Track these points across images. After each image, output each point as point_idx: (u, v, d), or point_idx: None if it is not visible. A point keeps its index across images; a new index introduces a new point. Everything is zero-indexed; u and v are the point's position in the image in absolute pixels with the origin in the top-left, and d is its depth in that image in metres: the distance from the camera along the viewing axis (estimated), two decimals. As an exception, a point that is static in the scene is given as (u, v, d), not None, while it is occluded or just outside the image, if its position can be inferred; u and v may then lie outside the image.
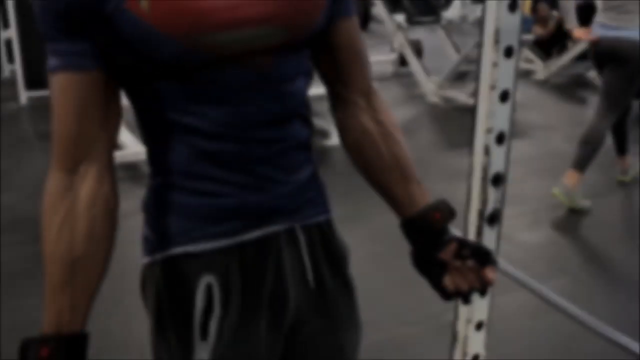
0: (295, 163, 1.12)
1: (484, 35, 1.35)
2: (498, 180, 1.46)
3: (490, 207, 1.47)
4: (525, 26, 7.27)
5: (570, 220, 4.13)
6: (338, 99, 1.20)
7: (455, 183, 4.60)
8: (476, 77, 1.38)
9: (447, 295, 1.16)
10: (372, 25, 8.63)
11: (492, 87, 1.38)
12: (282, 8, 1.00)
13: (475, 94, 1.39)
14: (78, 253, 1.00)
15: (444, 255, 1.14)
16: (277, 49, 1.02)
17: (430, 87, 7.00)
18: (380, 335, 2.78)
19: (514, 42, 1.35)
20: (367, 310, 3.04)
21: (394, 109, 6.61)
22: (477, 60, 1.37)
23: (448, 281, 1.15)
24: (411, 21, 7.45)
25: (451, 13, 7.94)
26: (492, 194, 1.48)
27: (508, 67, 1.37)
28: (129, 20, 0.93)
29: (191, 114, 1.02)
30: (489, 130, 1.41)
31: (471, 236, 1.54)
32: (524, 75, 7.65)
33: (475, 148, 1.45)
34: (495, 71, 1.37)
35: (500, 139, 1.44)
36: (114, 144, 1.06)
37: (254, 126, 1.04)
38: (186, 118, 1.02)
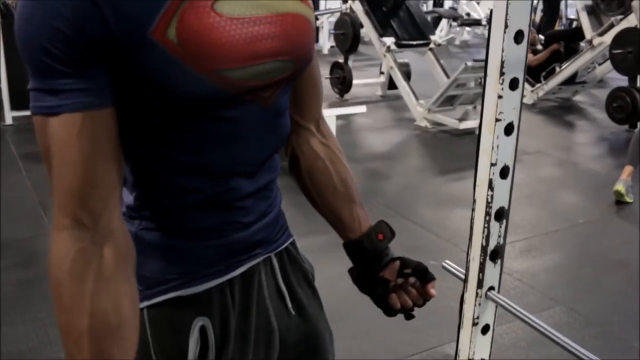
0: (274, 192, 1.13)
1: (488, 67, 1.31)
2: (501, 215, 1.41)
3: (493, 242, 1.42)
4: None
5: (563, 249, 4.10)
6: (293, 125, 1.19)
7: (444, 210, 4.59)
8: (480, 109, 1.34)
9: (391, 312, 1.26)
10: (362, 48, 8.62)
11: (497, 120, 1.34)
12: (290, 41, 0.98)
13: (479, 126, 1.35)
14: (117, 322, 0.87)
15: (388, 275, 1.23)
16: (282, 82, 1.01)
17: (419, 111, 6.98)
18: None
19: (519, 75, 1.32)
20: (360, 341, 3.05)
21: (382, 133, 6.65)
22: (482, 92, 1.33)
23: (393, 299, 1.23)
24: (400, 44, 7.44)
25: (438, 36, 7.94)
26: (495, 229, 1.43)
27: (513, 99, 1.33)
28: (155, 52, 0.84)
29: (200, 154, 0.97)
30: (492, 164, 1.36)
31: (474, 272, 1.49)
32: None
33: (478, 182, 1.41)
34: (500, 103, 1.32)
35: (504, 173, 1.40)
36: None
37: (255, 162, 1.03)
38: (193, 157, 0.97)
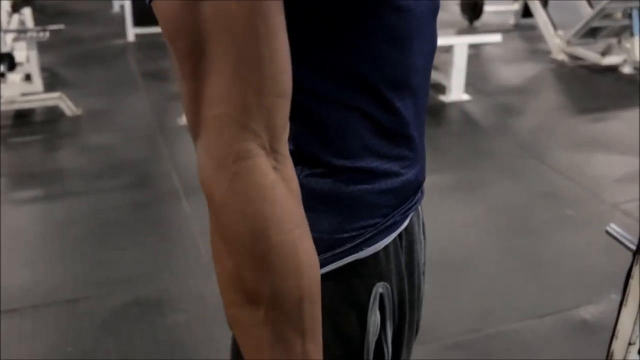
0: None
1: None
2: None
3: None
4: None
5: None
6: None
7: (583, 153, 4.17)
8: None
9: None
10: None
11: None
12: None
13: None
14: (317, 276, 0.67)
15: None
16: None
17: (556, 42, 6.43)
18: (496, 328, 2.45)
19: None
20: (482, 298, 2.79)
21: (515, 65, 6.19)
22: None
23: None
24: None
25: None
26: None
27: None
28: None
29: (372, 60, 0.74)
30: None
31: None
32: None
33: None
34: None
35: None
36: None
37: (423, 72, 0.83)
38: (364, 66, 0.74)
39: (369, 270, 0.81)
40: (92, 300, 2.61)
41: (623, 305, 1.49)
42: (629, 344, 1.49)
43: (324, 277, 0.73)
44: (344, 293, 0.80)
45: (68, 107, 4.68)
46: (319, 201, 0.78)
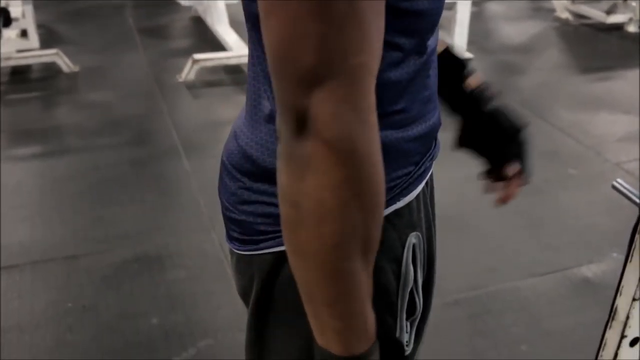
0: None
1: None
2: None
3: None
4: None
5: None
6: None
7: (586, 112, 4.12)
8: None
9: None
10: None
11: None
12: None
13: None
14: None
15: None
16: None
17: (560, 0, 6.31)
18: (497, 286, 2.44)
19: None
20: (483, 255, 2.77)
21: (517, 23, 6.09)
22: None
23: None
24: None
25: None
26: None
27: None
28: None
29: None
30: None
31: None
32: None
33: None
34: None
35: None
36: None
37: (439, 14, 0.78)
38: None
39: (404, 220, 0.80)
40: (91, 256, 2.60)
41: (628, 261, 1.47)
42: (633, 299, 1.48)
43: None
44: (384, 246, 0.76)
45: (65, 63, 4.62)
46: None
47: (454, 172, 3.31)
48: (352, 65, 0.56)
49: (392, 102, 0.74)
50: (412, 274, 0.82)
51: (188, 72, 4.46)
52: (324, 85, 0.56)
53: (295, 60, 0.56)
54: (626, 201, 1.47)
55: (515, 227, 2.82)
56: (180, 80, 4.44)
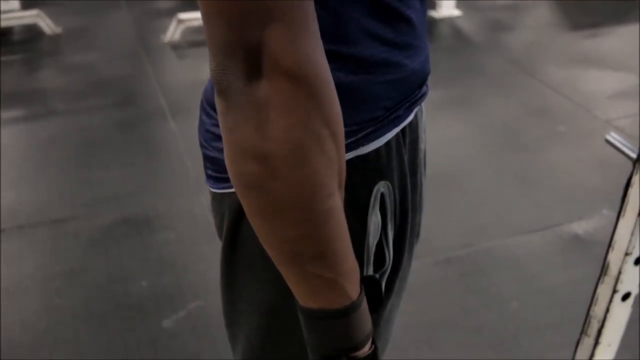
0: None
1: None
2: None
3: None
4: None
5: None
6: None
7: (575, 69, 4.09)
8: None
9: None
10: None
11: None
12: None
13: None
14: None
15: None
16: None
17: (550, -44, 6.23)
18: (488, 244, 2.44)
19: None
20: (474, 213, 2.76)
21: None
22: None
23: None
24: None
25: None
26: None
27: None
28: None
29: None
30: None
31: None
32: None
33: None
34: None
35: None
36: None
37: None
38: None
39: (370, 167, 0.76)
40: (79, 220, 2.57)
41: (620, 216, 1.46)
42: (626, 254, 1.47)
43: None
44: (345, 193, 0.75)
45: (47, 25, 4.53)
46: None
47: (444, 132, 3.30)
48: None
49: (354, 42, 0.69)
50: (379, 225, 0.78)
51: (173, 32, 4.39)
52: (272, 14, 0.51)
53: None
54: (616, 158, 1.45)
55: (505, 185, 2.81)
56: (166, 40, 4.37)
